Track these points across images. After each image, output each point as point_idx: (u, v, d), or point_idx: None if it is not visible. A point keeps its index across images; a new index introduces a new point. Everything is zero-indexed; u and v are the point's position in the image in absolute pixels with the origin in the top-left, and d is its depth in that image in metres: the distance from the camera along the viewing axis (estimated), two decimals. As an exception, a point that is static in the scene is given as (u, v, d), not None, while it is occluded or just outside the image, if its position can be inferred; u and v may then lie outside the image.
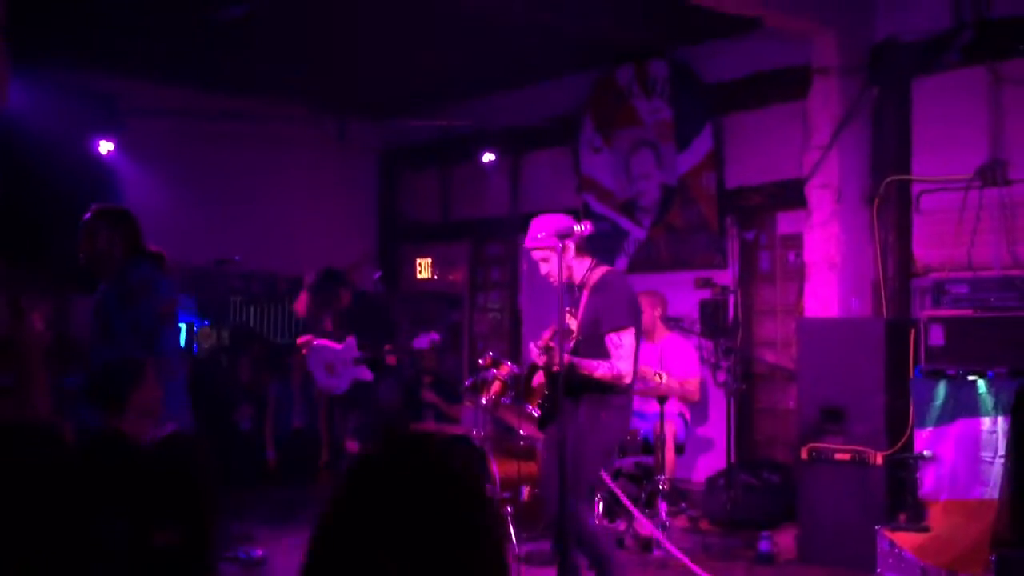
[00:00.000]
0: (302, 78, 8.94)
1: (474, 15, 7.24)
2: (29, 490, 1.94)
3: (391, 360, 6.97)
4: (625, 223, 8.53)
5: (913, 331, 5.98)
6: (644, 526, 6.20)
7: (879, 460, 5.93)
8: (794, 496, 6.38)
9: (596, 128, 8.76)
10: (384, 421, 7.31)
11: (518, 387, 5.16)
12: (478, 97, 9.61)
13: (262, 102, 9.29)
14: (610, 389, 4.54)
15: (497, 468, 6.42)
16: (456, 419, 8.35)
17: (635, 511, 6.08)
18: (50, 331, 5.58)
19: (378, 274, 8.49)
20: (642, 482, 6.64)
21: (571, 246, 4.59)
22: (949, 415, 5.59)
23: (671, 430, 6.76)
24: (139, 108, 8.48)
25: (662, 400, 6.37)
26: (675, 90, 8.11)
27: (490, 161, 9.39)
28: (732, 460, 6.73)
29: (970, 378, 5.57)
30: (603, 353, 4.52)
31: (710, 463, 7.60)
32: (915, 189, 6.79)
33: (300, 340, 7.14)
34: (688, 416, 7.25)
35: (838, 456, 6.08)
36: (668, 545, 5.82)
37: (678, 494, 6.94)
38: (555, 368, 4.48)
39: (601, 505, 6.23)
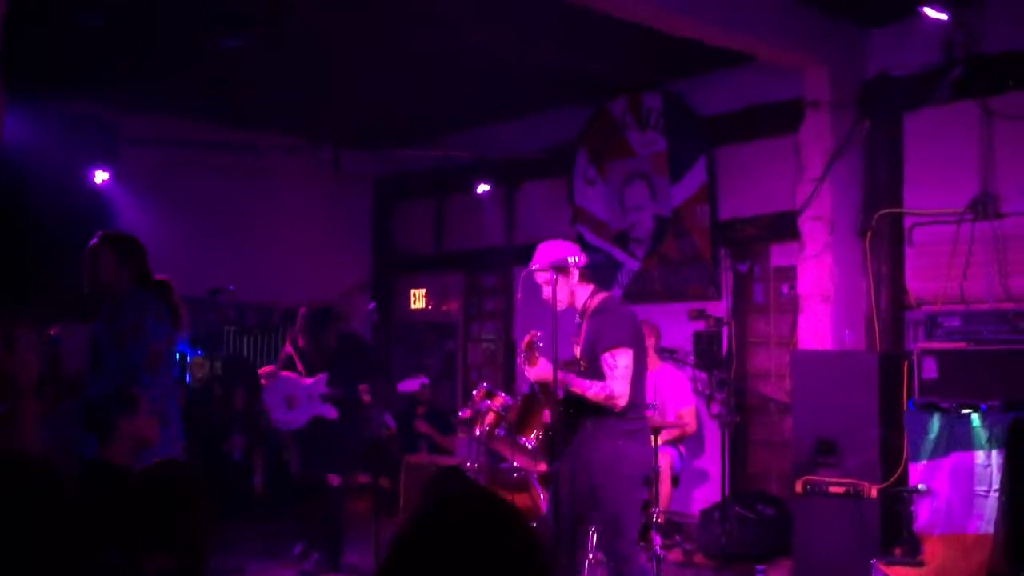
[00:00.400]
0: (298, 108, 8.97)
1: (471, 49, 7.29)
2: (20, 521, 1.93)
3: (366, 399, 6.89)
4: (619, 254, 8.55)
5: (906, 364, 5.99)
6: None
7: (874, 493, 5.91)
8: (789, 529, 6.34)
9: (590, 160, 8.80)
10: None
11: (511, 418, 5.14)
12: (473, 128, 9.66)
13: (258, 132, 9.30)
14: (621, 415, 4.51)
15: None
16: (450, 450, 8.32)
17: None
18: (41, 361, 5.57)
19: (372, 304, 8.47)
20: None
21: (575, 271, 4.67)
22: (943, 448, 5.58)
23: (667, 461, 6.74)
24: (135, 137, 8.49)
25: (656, 432, 6.34)
26: (669, 122, 8.17)
27: (485, 192, 9.42)
28: (727, 493, 6.71)
29: (964, 411, 5.56)
30: (600, 375, 4.52)
31: (705, 495, 7.57)
32: (907, 222, 6.82)
33: (262, 371, 6.97)
34: (683, 447, 7.23)
35: (833, 489, 6.06)
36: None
37: (673, 527, 6.90)
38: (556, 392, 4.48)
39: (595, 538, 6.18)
